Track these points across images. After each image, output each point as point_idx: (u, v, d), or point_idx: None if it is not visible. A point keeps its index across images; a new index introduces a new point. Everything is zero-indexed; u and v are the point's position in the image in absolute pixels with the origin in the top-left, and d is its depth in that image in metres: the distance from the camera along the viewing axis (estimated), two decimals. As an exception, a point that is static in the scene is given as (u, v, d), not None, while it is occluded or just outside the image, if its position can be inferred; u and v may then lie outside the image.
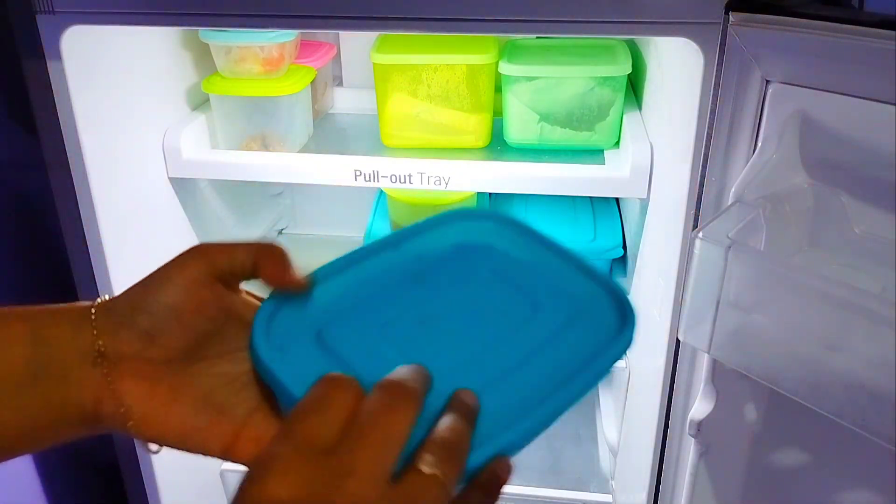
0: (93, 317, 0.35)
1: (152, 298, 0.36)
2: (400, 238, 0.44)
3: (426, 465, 0.28)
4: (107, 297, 0.37)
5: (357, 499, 0.27)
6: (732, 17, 0.60)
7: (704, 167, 0.67)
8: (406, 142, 0.93)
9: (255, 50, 0.89)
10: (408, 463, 0.29)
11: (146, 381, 0.35)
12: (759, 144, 0.63)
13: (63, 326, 0.35)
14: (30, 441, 0.35)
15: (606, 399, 1.13)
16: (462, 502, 0.30)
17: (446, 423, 0.31)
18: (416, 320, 0.40)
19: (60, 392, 0.35)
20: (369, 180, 0.86)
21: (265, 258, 0.37)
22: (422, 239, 0.45)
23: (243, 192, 1.15)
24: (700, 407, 0.73)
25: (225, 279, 0.37)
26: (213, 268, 0.37)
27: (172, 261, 0.37)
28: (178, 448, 0.37)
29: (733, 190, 0.64)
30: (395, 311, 0.40)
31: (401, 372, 0.32)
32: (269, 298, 0.39)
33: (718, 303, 0.60)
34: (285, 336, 0.38)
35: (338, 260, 0.42)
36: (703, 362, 0.72)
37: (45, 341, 0.35)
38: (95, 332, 0.35)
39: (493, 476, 0.31)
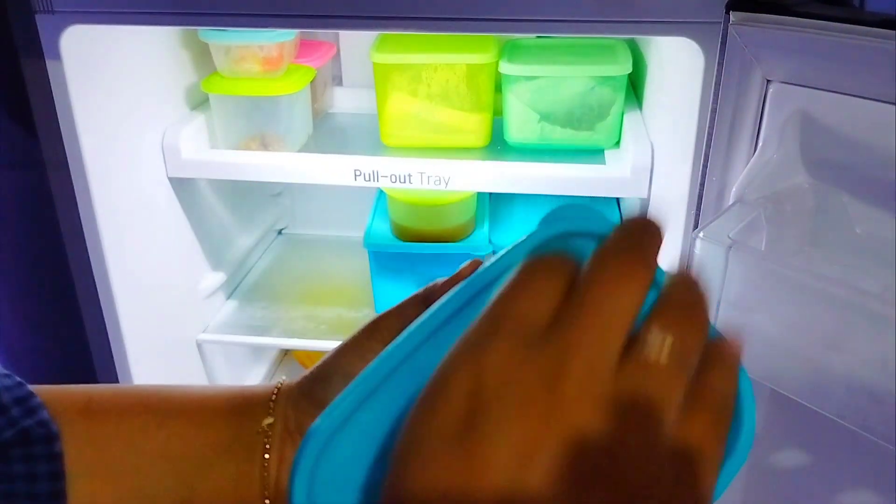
0: (273, 397, 0.38)
1: (333, 370, 0.37)
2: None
3: (656, 349, 0.21)
4: (289, 380, 0.39)
5: (577, 392, 0.20)
6: (733, 16, 0.60)
7: (705, 167, 0.66)
8: (406, 141, 0.92)
9: (254, 49, 0.89)
10: (633, 346, 0.22)
11: None
12: (760, 144, 0.63)
13: (258, 407, 0.37)
14: None
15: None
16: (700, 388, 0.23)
17: (676, 285, 0.24)
18: None
19: (246, 467, 0.36)
20: (369, 180, 0.86)
21: (434, 299, 0.34)
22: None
23: (243, 192, 1.15)
24: (700, 407, 0.73)
25: None
26: (389, 337, 0.33)
27: (353, 336, 0.38)
28: None
29: (734, 190, 0.64)
30: None
31: (626, 229, 0.24)
32: (306, 442, 0.27)
33: (719, 303, 0.60)
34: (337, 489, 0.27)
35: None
36: (704, 362, 0.72)
37: (241, 423, 0.37)
38: (271, 411, 0.37)
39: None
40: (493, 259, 0.29)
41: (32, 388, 0.36)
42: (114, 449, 0.36)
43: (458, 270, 0.36)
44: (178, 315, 0.98)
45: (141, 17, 0.69)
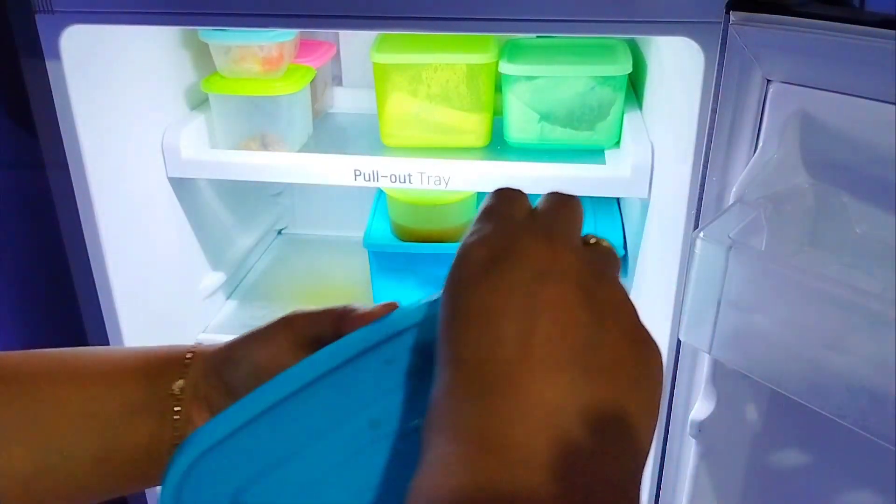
0: (187, 360, 0.39)
1: (242, 355, 0.39)
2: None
3: (593, 240, 0.33)
4: (205, 345, 0.40)
5: (563, 243, 0.30)
6: (733, 16, 0.60)
7: (705, 167, 0.66)
8: (406, 141, 0.92)
9: (254, 49, 0.89)
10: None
11: (204, 420, 0.37)
12: (760, 144, 0.63)
13: (171, 369, 0.39)
14: (129, 476, 0.38)
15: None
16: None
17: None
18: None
19: (157, 428, 0.38)
20: (369, 180, 0.86)
21: (347, 324, 0.37)
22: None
23: (243, 192, 1.15)
24: (701, 407, 0.73)
25: (309, 345, 0.38)
26: (300, 337, 0.39)
27: (267, 326, 0.40)
28: None
29: (734, 190, 0.64)
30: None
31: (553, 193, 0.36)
32: (181, 451, 0.30)
33: (719, 303, 0.60)
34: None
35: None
36: (704, 363, 0.72)
37: (154, 383, 0.39)
38: (183, 376, 0.38)
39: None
40: (394, 314, 0.33)
41: None
42: (28, 408, 0.36)
43: (373, 309, 0.37)
44: (178, 315, 0.98)
45: (141, 16, 0.69)
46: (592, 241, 0.33)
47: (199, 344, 0.41)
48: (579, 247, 0.31)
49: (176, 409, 0.38)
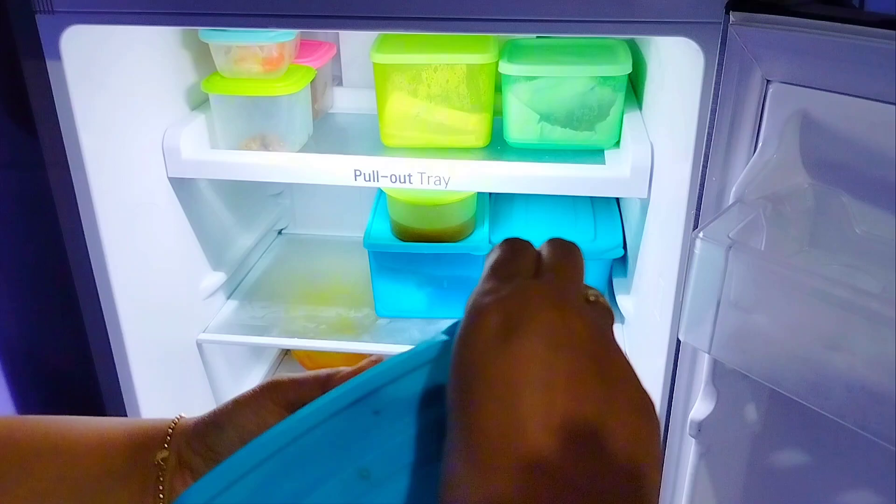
0: (169, 432, 0.40)
1: (226, 420, 0.40)
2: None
3: (593, 296, 0.33)
4: (188, 417, 0.41)
5: (574, 303, 0.30)
6: (733, 16, 0.60)
7: (705, 167, 0.66)
8: (406, 141, 0.92)
9: (254, 49, 0.89)
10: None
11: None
12: (760, 144, 0.63)
13: (154, 440, 0.40)
14: None
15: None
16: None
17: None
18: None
19: (139, 498, 0.39)
20: (369, 180, 0.86)
21: (333, 385, 0.39)
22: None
23: (243, 192, 1.15)
24: (701, 407, 0.73)
25: (295, 410, 0.37)
26: (285, 401, 0.40)
27: (251, 391, 0.41)
28: None
29: (734, 190, 0.64)
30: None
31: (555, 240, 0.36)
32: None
33: (719, 303, 0.60)
34: None
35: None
36: (704, 362, 0.72)
37: (137, 454, 0.39)
38: (166, 446, 0.40)
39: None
40: (384, 365, 0.32)
41: None
42: (10, 475, 0.37)
43: (357, 367, 0.39)
44: (178, 315, 0.98)
45: (141, 17, 0.69)
46: (592, 297, 0.33)
47: (181, 417, 0.41)
48: (584, 307, 0.32)
49: (160, 478, 0.39)
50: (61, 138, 0.76)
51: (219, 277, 1.06)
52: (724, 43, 0.62)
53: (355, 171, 0.86)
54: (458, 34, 0.80)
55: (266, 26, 0.69)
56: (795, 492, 0.74)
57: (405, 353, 0.33)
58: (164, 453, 0.39)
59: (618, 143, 0.91)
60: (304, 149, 0.96)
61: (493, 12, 0.65)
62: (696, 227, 0.68)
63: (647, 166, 0.82)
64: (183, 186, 0.95)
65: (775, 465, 0.75)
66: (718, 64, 0.63)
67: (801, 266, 0.60)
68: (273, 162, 0.89)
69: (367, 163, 0.86)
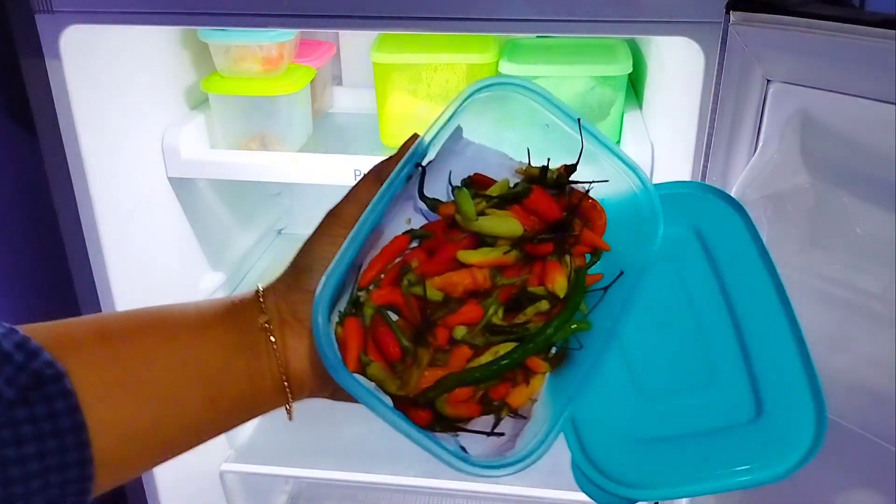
0: (261, 298, 0.42)
1: (312, 260, 0.41)
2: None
3: None
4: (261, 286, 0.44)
5: None
6: (733, 16, 0.60)
7: (705, 167, 0.66)
8: (406, 141, 0.92)
9: (254, 49, 0.89)
10: None
11: (300, 338, 0.41)
12: (761, 144, 0.63)
13: (249, 309, 0.42)
14: (238, 411, 0.41)
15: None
16: None
17: None
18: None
19: (255, 362, 0.41)
20: (369, 180, 0.86)
21: (385, 171, 0.43)
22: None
23: (242, 192, 1.15)
24: (701, 407, 0.73)
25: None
26: (350, 218, 0.41)
27: (319, 228, 0.43)
28: (329, 398, 0.43)
29: (734, 189, 0.63)
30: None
31: None
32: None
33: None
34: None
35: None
36: (704, 362, 0.72)
37: (238, 325, 0.42)
38: (264, 310, 0.41)
39: None
40: (427, 132, 0.42)
41: (29, 327, 0.38)
42: (135, 365, 0.39)
43: (402, 145, 0.43)
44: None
45: (140, 16, 0.69)
46: None
47: (259, 286, 0.43)
48: None
49: (271, 339, 0.41)
50: (60, 138, 0.75)
51: (218, 277, 1.06)
52: (724, 42, 0.62)
53: (355, 170, 0.86)
54: (458, 34, 0.80)
55: (265, 26, 0.69)
56: (795, 492, 0.74)
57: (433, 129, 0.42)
58: (265, 317, 0.41)
59: (618, 143, 0.91)
60: (304, 148, 0.96)
61: (493, 12, 0.65)
62: (696, 227, 0.68)
63: (647, 166, 0.82)
64: (182, 186, 0.95)
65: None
66: (719, 63, 0.62)
67: (803, 266, 0.60)
68: (272, 162, 0.89)
69: (367, 162, 0.85)
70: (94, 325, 0.40)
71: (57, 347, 0.37)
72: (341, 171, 0.87)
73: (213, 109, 0.93)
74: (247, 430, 1.10)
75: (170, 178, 0.91)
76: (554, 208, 0.41)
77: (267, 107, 0.92)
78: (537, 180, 0.43)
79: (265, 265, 1.20)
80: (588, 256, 0.42)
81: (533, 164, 0.44)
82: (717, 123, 0.64)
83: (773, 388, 0.41)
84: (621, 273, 0.40)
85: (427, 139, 0.42)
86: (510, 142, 0.45)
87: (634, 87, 0.98)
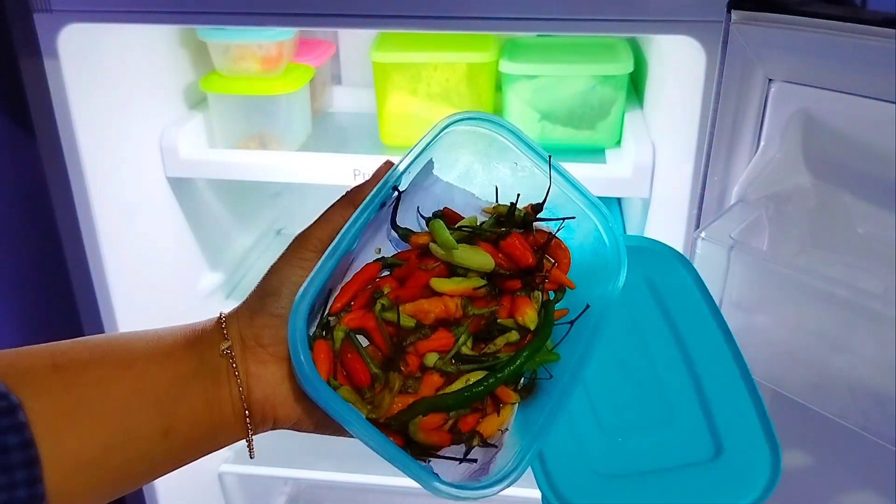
0: (223, 324, 0.42)
1: (279, 283, 0.41)
2: None
3: None
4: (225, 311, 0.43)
5: None
6: (735, 15, 0.60)
7: (707, 166, 0.66)
8: (405, 141, 0.92)
9: (253, 48, 0.88)
10: None
11: (264, 364, 0.41)
12: (762, 143, 0.63)
13: (211, 335, 0.41)
14: (195, 442, 0.40)
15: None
16: None
17: None
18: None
19: (214, 390, 0.40)
20: (368, 180, 0.86)
21: (358, 197, 0.43)
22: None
23: (241, 192, 1.15)
24: (701, 408, 0.73)
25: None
26: (319, 243, 0.42)
27: (287, 252, 0.43)
28: (292, 429, 0.42)
29: (736, 189, 0.63)
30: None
31: None
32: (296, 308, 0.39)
33: (721, 303, 0.59)
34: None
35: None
36: (705, 363, 0.72)
37: (199, 352, 0.41)
38: (226, 335, 0.41)
39: None
40: (401, 161, 0.43)
41: None
42: (88, 394, 0.38)
43: (374, 171, 0.44)
44: (176, 315, 0.98)
45: (139, 15, 0.69)
46: None
47: (221, 312, 0.43)
48: None
49: (233, 365, 0.40)
50: (58, 137, 0.75)
51: (217, 277, 1.06)
52: (725, 42, 0.61)
53: (354, 170, 0.86)
54: (458, 33, 0.79)
55: (265, 25, 0.69)
56: (796, 492, 0.74)
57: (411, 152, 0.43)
58: (226, 343, 0.41)
59: (619, 143, 0.91)
60: (303, 148, 0.96)
61: (493, 10, 0.65)
62: (697, 226, 0.68)
63: (648, 166, 0.82)
64: (181, 186, 0.94)
65: (776, 465, 0.75)
66: (720, 63, 0.62)
67: (804, 266, 0.60)
68: (272, 161, 0.89)
69: (367, 162, 0.85)
70: (48, 353, 0.39)
71: (10, 376, 0.36)
72: (340, 171, 0.86)
73: (212, 109, 0.93)
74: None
75: (168, 178, 0.91)
76: (527, 254, 0.42)
77: (266, 106, 0.91)
78: (505, 218, 0.44)
79: (264, 265, 1.19)
80: (552, 294, 0.44)
81: (500, 202, 0.45)
82: (718, 123, 0.64)
83: (730, 429, 0.43)
84: (588, 307, 0.42)
85: (401, 168, 0.43)
86: (479, 179, 0.47)
87: (635, 86, 0.98)
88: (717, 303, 0.58)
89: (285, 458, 1.04)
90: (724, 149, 0.64)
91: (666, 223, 0.78)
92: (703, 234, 0.58)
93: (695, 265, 0.60)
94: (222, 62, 0.90)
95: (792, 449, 0.73)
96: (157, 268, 0.93)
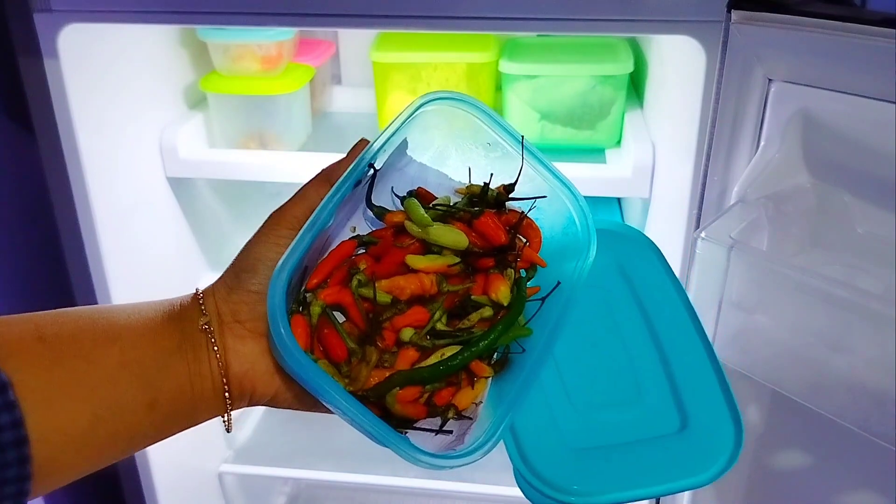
0: (200, 300, 0.42)
1: (255, 260, 0.41)
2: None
3: None
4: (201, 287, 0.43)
5: None
6: (735, 15, 0.60)
7: (707, 166, 0.66)
8: (405, 141, 0.92)
9: (253, 48, 0.88)
10: None
11: (242, 340, 0.41)
12: (762, 143, 0.63)
13: (190, 311, 0.42)
14: (177, 416, 0.41)
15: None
16: None
17: None
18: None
19: (195, 364, 0.40)
20: (368, 179, 0.86)
21: (334, 174, 0.43)
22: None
23: (241, 192, 1.15)
24: (701, 408, 0.73)
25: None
26: (294, 220, 0.42)
27: (261, 230, 0.43)
28: (269, 405, 0.42)
29: (735, 189, 0.63)
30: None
31: None
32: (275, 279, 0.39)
33: (721, 303, 0.59)
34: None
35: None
36: (705, 363, 0.72)
37: (180, 327, 0.41)
38: (204, 311, 0.41)
39: None
40: (377, 139, 0.43)
41: None
42: (75, 367, 0.38)
43: (350, 149, 0.45)
44: (176, 315, 0.98)
45: (139, 15, 0.69)
46: None
47: (198, 288, 0.43)
48: None
49: (212, 341, 0.41)
50: (58, 137, 0.75)
51: (217, 277, 1.05)
52: (725, 42, 0.61)
53: (354, 170, 0.86)
54: (458, 33, 0.79)
55: (265, 24, 0.69)
56: (796, 492, 0.74)
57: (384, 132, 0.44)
58: (205, 318, 0.41)
59: (619, 143, 0.91)
60: (303, 148, 0.96)
61: (493, 10, 0.65)
62: (697, 226, 0.68)
63: (648, 166, 0.82)
64: (181, 186, 0.94)
65: (776, 465, 0.75)
66: (720, 62, 0.62)
67: (804, 266, 0.60)
68: (271, 161, 0.89)
69: (367, 162, 0.85)
70: (33, 325, 0.38)
71: None
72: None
73: (212, 108, 0.93)
74: (246, 432, 1.10)
75: (168, 178, 0.91)
76: (500, 233, 0.43)
77: (266, 106, 0.91)
78: (478, 198, 0.45)
79: (264, 265, 1.20)
80: (524, 272, 0.45)
81: (473, 182, 0.46)
82: (718, 123, 0.64)
83: (695, 403, 0.45)
84: (558, 283, 0.43)
85: (376, 146, 0.44)
86: (452, 160, 0.47)
87: (635, 86, 0.98)
88: (717, 303, 0.58)
89: (285, 458, 1.04)
90: (724, 149, 0.64)
91: (666, 223, 0.78)
92: (703, 234, 0.59)
93: (695, 265, 0.60)
94: (222, 62, 0.90)
95: (792, 449, 0.74)
96: (157, 267, 0.93)
